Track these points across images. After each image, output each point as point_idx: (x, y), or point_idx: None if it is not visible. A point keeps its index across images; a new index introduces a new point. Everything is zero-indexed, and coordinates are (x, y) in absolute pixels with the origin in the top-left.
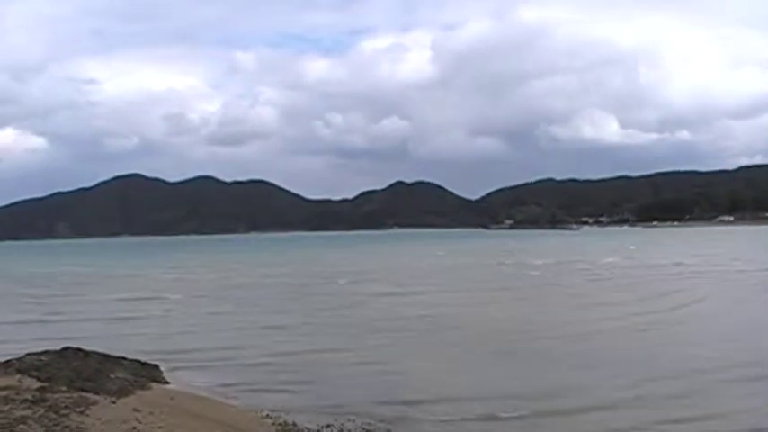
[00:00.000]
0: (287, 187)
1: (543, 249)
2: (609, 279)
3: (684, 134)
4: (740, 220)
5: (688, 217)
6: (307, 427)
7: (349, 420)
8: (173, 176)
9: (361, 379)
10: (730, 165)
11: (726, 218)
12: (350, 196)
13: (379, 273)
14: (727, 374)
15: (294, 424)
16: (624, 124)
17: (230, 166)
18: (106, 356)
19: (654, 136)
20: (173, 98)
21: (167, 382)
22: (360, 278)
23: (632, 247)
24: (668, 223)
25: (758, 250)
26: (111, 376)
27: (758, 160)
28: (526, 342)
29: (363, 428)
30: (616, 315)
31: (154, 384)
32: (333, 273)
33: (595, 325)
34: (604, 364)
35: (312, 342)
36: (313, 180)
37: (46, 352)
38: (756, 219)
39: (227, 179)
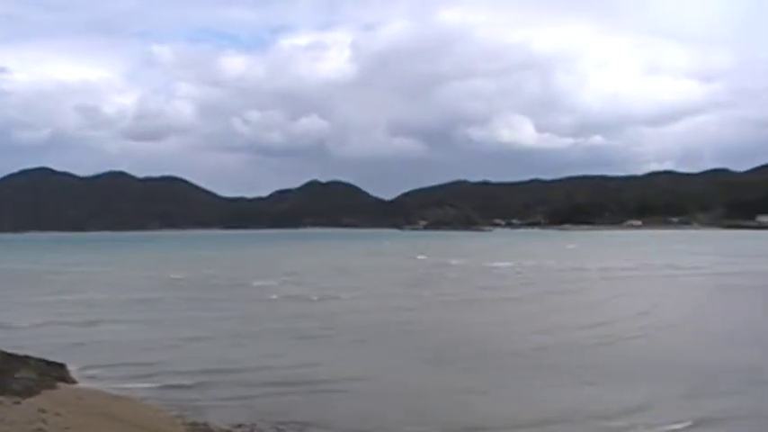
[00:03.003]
0: (201, 184)
1: (459, 251)
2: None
3: (598, 139)
4: (648, 224)
5: (598, 221)
6: (218, 427)
7: (261, 420)
8: (85, 171)
9: (275, 381)
10: (642, 170)
11: (634, 222)
12: (265, 194)
13: (296, 274)
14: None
15: (205, 424)
16: (540, 128)
17: (145, 162)
18: (10, 356)
19: (569, 140)
20: (87, 90)
21: (75, 382)
22: (275, 279)
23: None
24: (579, 226)
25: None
26: (16, 376)
27: (668, 166)
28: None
29: (276, 428)
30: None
31: (61, 384)
32: (248, 274)
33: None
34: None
35: (226, 344)
36: (229, 177)
37: None
38: (664, 223)
39: (140, 175)
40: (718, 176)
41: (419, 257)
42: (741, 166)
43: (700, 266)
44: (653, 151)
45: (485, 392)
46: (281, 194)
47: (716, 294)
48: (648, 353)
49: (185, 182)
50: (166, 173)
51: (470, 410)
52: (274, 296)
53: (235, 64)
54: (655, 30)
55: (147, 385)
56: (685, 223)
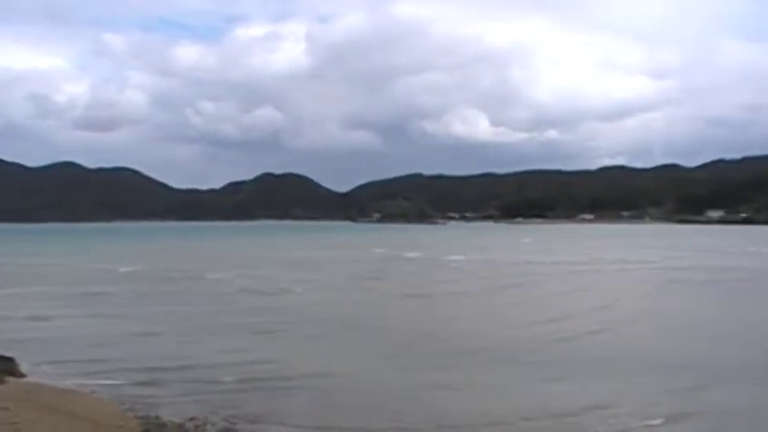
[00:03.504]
0: (154, 176)
1: (414, 244)
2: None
3: (553, 134)
4: (600, 218)
5: (551, 214)
6: (170, 420)
7: (213, 413)
8: (36, 161)
9: (229, 376)
10: (595, 165)
11: (587, 216)
12: (218, 186)
13: (251, 266)
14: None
15: (157, 417)
16: (495, 122)
17: (97, 152)
18: None
19: (523, 135)
20: (37, 78)
21: (24, 376)
22: (229, 272)
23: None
24: (532, 220)
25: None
26: None
27: (620, 161)
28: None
29: (227, 421)
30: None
31: (10, 378)
32: (202, 266)
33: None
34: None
35: (180, 339)
36: (182, 169)
37: None
38: (615, 217)
39: (92, 165)
40: (668, 172)
41: (375, 250)
42: (691, 162)
43: (652, 261)
44: (606, 146)
45: (448, 388)
46: (235, 186)
47: (670, 289)
48: (612, 348)
49: (138, 173)
50: (119, 164)
51: (432, 407)
52: (229, 289)
53: (188, 54)
54: (609, 27)
55: (97, 381)
56: (637, 218)
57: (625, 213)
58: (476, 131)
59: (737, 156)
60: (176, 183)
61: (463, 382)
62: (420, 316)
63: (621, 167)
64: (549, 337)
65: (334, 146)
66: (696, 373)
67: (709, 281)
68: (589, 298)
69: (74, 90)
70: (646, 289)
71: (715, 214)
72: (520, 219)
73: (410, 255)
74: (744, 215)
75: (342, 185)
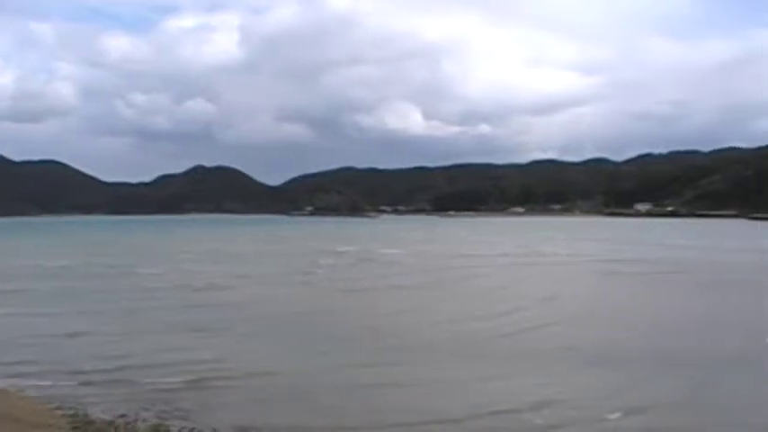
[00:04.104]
0: (83, 169)
1: (348, 237)
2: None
3: (485, 128)
4: (531, 211)
5: (482, 208)
6: (99, 418)
7: (144, 410)
8: None
9: (160, 374)
10: (526, 159)
11: (517, 209)
12: (148, 179)
13: (184, 261)
14: None
15: (86, 415)
16: (428, 116)
17: (23, 144)
18: None
19: (456, 128)
20: None
21: None
22: (161, 267)
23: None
24: (463, 213)
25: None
26: None
27: (551, 155)
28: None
29: (159, 417)
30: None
31: None
32: (133, 261)
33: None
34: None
35: (109, 337)
36: (112, 162)
37: None
38: (545, 210)
39: (18, 158)
40: (597, 166)
41: (309, 244)
42: (619, 156)
43: (589, 253)
44: (537, 140)
45: (393, 385)
46: (166, 179)
47: (610, 281)
48: (560, 341)
49: (66, 166)
50: (46, 156)
51: (375, 404)
52: (162, 285)
53: (118, 44)
54: (541, 23)
55: (25, 382)
56: (567, 210)
57: (555, 206)
58: (408, 125)
59: (664, 150)
60: (106, 176)
61: (408, 379)
62: (361, 311)
63: (552, 161)
64: (494, 331)
65: (266, 139)
66: (648, 364)
67: (648, 273)
68: (531, 291)
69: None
70: (586, 281)
71: (643, 207)
72: (452, 212)
73: (345, 248)
74: (670, 208)
75: (274, 179)
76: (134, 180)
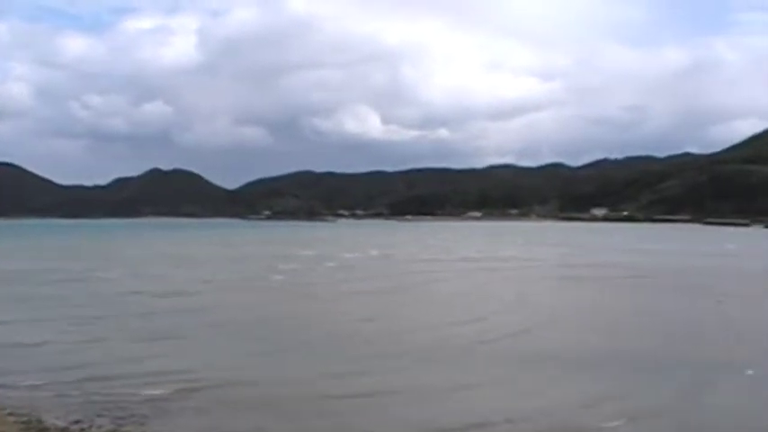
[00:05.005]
0: (37, 171)
1: (306, 241)
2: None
3: (443, 132)
4: (488, 215)
5: (440, 212)
6: (54, 424)
7: (99, 416)
8: None
9: (118, 381)
10: (484, 163)
11: (475, 213)
12: (104, 182)
13: (140, 265)
14: None
15: (40, 421)
16: (386, 120)
17: None
18: None
19: (414, 133)
20: None
21: None
22: (117, 272)
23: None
24: (421, 217)
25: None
26: None
27: (509, 160)
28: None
29: (115, 423)
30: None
31: None
32: (88, 266)
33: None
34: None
35: (67, 345)
36: (67, 164)
37: None
38: (502, 215)
39: None
40: (554, 170)
41: (267, 248)
42: (576, 161)
43: (550, 258)
44: (495, 145)
45: (363, 396)
46: (122, 182)
47: (575, 285)
48: (539, 347)
49: (20, 168)
50: None
51: (343, 415)
52: (120, 290)
53: (75, 45)
54: (501, 29)
55: None
56: (523, 215)
57: (512, 211)
58: (367, 129)
59: (620, 156)
60: (61, 178)
61: (380, 389)
62: (329, 317)
63: (509, 166)
64: (470, 338)
65: (224, 142)
66: (631, 368)
67: (613, 277)
68: (498, 296)
69: None
70: (552, 285)
71: (599, 212)
72: (409, 216)
73: (304, 253)
74: (626, 213)
75: (232, 182)
76: (89, 183)
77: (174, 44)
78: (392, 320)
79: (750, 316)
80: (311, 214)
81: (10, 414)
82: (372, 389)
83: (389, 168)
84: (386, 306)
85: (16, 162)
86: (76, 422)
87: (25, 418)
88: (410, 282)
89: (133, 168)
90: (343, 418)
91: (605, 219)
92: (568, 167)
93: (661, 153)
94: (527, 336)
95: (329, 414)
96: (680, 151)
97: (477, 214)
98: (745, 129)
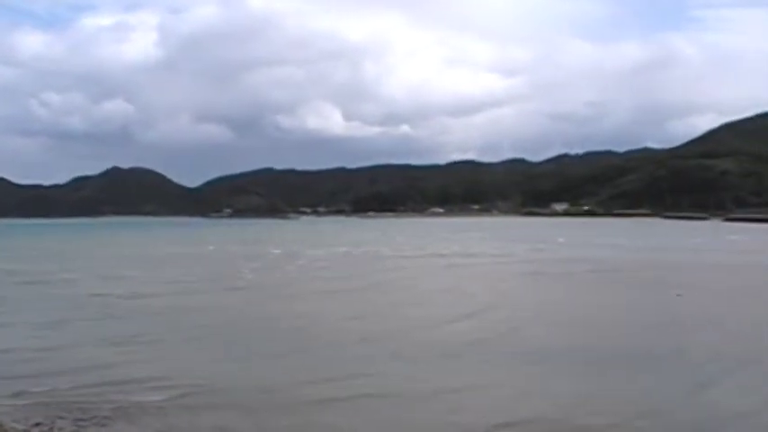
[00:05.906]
0: None
1: (271, 239)
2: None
3: (405, 129)
4: (450, 211)
5: (402, 208)
6: (13, 427)
7: (60, 418)
8: None
9: (78, 381)
10: (446, 159)
11: (437, 209)
12: (62, 181)
13: (102, 266)
14: None
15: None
16: (348, 116)
17: None
18: None
19: (376, 129)
20: None
21: None
22: (78, 273)
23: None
24: (383, 214)
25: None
26: None
27: (470, 156)
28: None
29: (76, 424)
30: None
31: None
32: (47, 267)
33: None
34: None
35: (29, 353)
36: (24, 163)
37: None
38: (464, 210)
39: None
40: (516, 166)
41: (231, 247)
42: (537, 157)
43: (516, 254)
44: (456, 141)
45: (347, 399)
46: (81, 181)
47: (549, 281)
48: (534, 345)
49: None
50: None
51: (324, 423)
52: (82, 292)
53: (32, 42)
54: (462, 25)
55: None
56: (485, 211)
57: (474, 206)
58: (329, 126)
59: (580, 151)
60: (18, 178)
61: (368, 392)
62: (307, 319)
63: (470, 162)
64: (460, 338)
65: (185, 139)
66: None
67: (580, 272)
68: (476, 294)
69: None
70: (526, 281)
71: (560, 207)
72: (371, 213)
73: (270, 251)
74: (586, 208)
75: (193, 180)
76: (47, 182)
77: (134, 41)
78: (375, 320)
79: None
80: (273, 212)
81: None
82: (357, 392)
83: (352, 165)
84: (361, 305)
85: None
86: (37, 424)
87: None
88: (385, 279)
89: (92, 167)
90: (327, 421)
91: (566, 213)
92: (529, 163)
93: (621, 148)
94: (520, 334)
95: (309, 418)
96: (639, 146)
97: (440, 210)
98: (703, 124)
